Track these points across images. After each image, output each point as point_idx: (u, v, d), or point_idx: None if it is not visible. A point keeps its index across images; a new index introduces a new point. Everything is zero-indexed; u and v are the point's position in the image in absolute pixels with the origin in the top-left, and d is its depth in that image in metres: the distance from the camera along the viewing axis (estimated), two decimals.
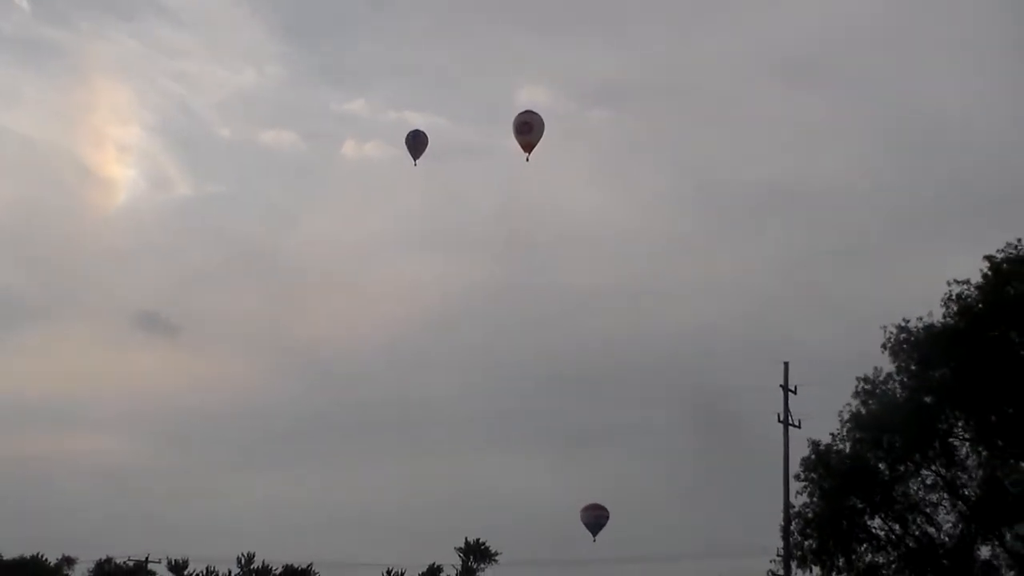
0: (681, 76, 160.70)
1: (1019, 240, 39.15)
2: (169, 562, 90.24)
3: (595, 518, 67.35)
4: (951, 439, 40.19)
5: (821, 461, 41.31)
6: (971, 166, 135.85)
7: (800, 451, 43.59)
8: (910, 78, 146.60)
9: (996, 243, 39.29)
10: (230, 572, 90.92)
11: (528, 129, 59.62)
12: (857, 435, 41.13)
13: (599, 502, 68.89)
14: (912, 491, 40.57)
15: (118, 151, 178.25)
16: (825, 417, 43.14)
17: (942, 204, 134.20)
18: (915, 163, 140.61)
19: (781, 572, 47.29)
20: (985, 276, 38.88)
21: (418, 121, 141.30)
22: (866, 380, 40.94)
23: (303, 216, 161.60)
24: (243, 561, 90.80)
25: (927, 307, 40.01)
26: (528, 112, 61.32)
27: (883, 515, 40.73)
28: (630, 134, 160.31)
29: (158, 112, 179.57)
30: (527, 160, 59.60)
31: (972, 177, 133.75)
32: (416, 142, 63.14)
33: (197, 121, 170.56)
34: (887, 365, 40.52)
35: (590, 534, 67.16)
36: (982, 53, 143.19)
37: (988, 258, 39.04)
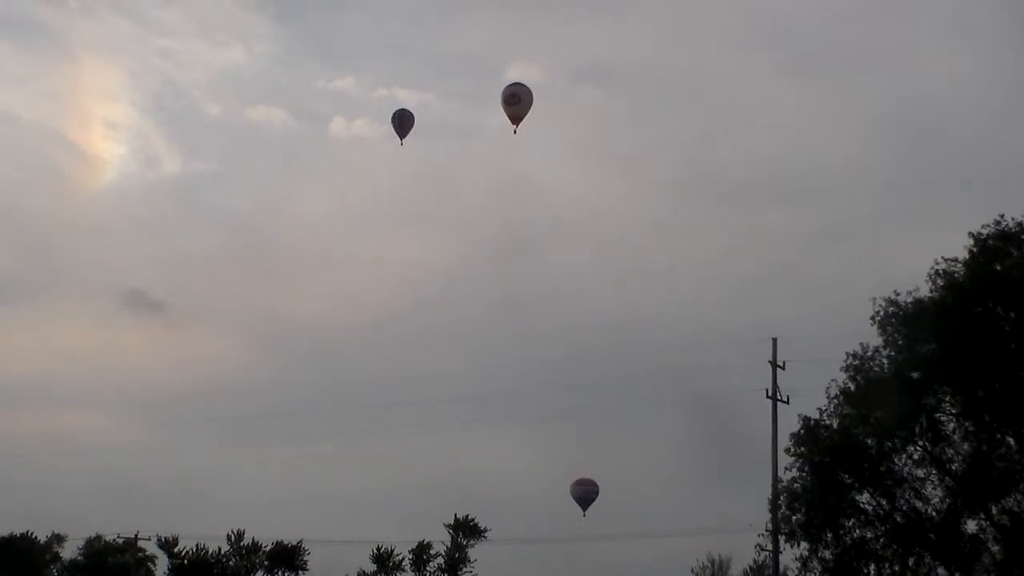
0: (673, 55, 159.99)
1: (1002, 216, 39.39)
2: (159, 539, 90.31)
3: (585, 492, 67.54)
4: (938, 414, 40.41)
5: (810, 436, 41.51)
6: (957, 145, 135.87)
7: (789, 427, 43.91)
8: (896, 57, 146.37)
9: (983, 220, 39.52)
10: (220, 549, 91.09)
11: (516, 100, 59.05)
12: (845, 410, 41.34)
13: (589, 477, 69.14)
14: (899, 466, 40.83)
15: (106, 129, 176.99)
16: (813, 392, 43.41)
17: (930, 182, 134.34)
18: (903, 142, 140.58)
19: (769, 547, 47.67)
20: (971, 252, 39.09)
21: (407, 98, 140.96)
22: (854, 356, 41.15)
23: (292, 193, 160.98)
24: (233, 538, 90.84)
25: (914, 283, 40.27)
26: (516, 84, 60.74)
27: (871, 490, 40.95)
28: (621, 113, 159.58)
29: (146, 90, 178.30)
30: (515, 132, 59.19)
31: (958, 156, 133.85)
32: (402, 121, 62.70)
33: (185, 99, 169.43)
34: (875, 339, 40.81)
35: (580, 509, 67.41)
36: (970, 32, 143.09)
37: (973, 235, 39.24)
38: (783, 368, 53.01)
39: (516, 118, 58.91)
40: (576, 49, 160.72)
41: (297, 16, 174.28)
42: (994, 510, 39.34)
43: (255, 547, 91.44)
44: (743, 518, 49.37)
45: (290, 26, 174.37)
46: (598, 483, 68.68)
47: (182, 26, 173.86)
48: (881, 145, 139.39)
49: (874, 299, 40.64)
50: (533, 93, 60.03)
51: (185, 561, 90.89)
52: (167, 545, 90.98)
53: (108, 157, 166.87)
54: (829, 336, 46.75)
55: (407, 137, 62.45)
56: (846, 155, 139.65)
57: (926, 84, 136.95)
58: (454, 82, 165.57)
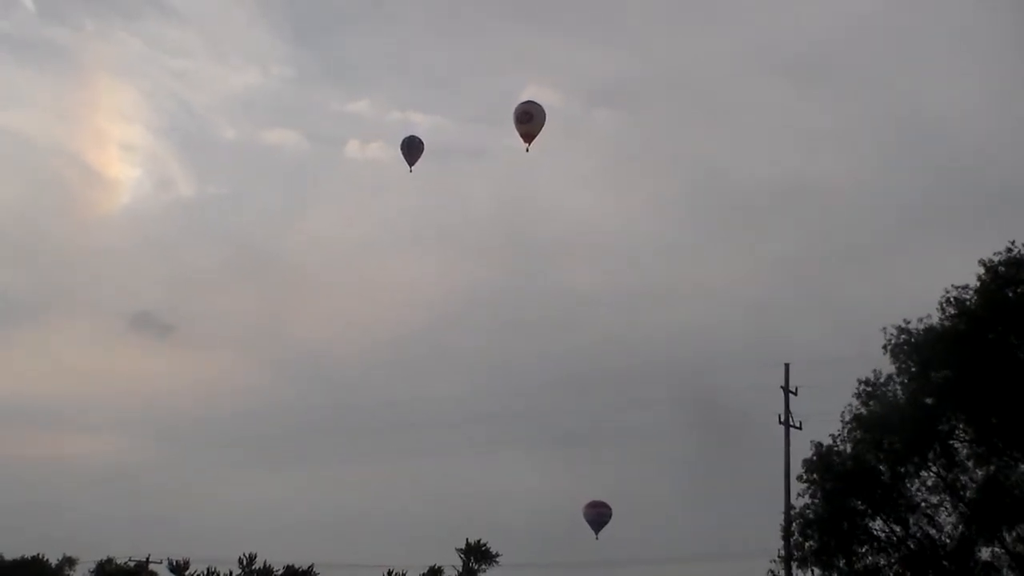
0: (685, 77, 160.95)
1: (1013, 243, 39.32)
2: (170, 563, 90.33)
3: (597, 515, 67.41)
4: (952, 441, 40.30)
5: (823, 462, 41.43)
6: (970, 167, 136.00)
7: (801, 452, 43.81)
8: (909, 79, 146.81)
9: (995, 243, 39.50)
10: (231, 573, 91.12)
11: (528, 119, 58.97)
12: (858, 436, 41.25)
13: (601, 499, 68.98)
14: (913, 492, 40.70)
15: (121, 151, 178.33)
16: (826, 418, 43.34)
17: (942, 205, 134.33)
18: (915, 164, 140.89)
19: (781, 573, 47.42)
20: (981, 280, 39.06)
21: (421, 121, 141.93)
22: (867, 382, 41.12)
23: (306, 217, 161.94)
24: (244, 562, 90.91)
25: (927, 308, 40.24)
26: (529, 102, 60.61)
27: (884, 516, 40.80)
28: (633, 135, 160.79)
29: (162, 112, 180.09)
30: (527, 151, 59.08)
31: (971, 178, 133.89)
32: (411, 148, 62.73)
33: (201, 121, 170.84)
34: (887, 367, 40.76)
35: (592, 531, 67.25)
36: (981, 53, 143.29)
37: (984, 263, 39.17)
38: (795, 394, 52.87)
39: (528, 136, 58.87)
40: (590, 71, 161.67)
41: (312, 39, 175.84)
42: (1008, 537, 39.13)
43: (266, 571, 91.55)
44: (756, 543, 49.22)
45: (305, 49, 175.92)
46: (611, 506, 68.52)
47: (197, 48, 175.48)
48: (897, 168, 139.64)
49: (885, 328, 40.67)
50: (546, 111, 59.99)
51: None
52: (178, 568, 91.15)
53: (122, 179, 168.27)
54: (843, 360, 46.73)
55: (416, 163, 62.48)
56: (860, 178, 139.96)
57: (942, 107, 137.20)
58: (468, 105, 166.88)
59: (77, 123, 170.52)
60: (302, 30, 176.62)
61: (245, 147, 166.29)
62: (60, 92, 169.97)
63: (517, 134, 59.31)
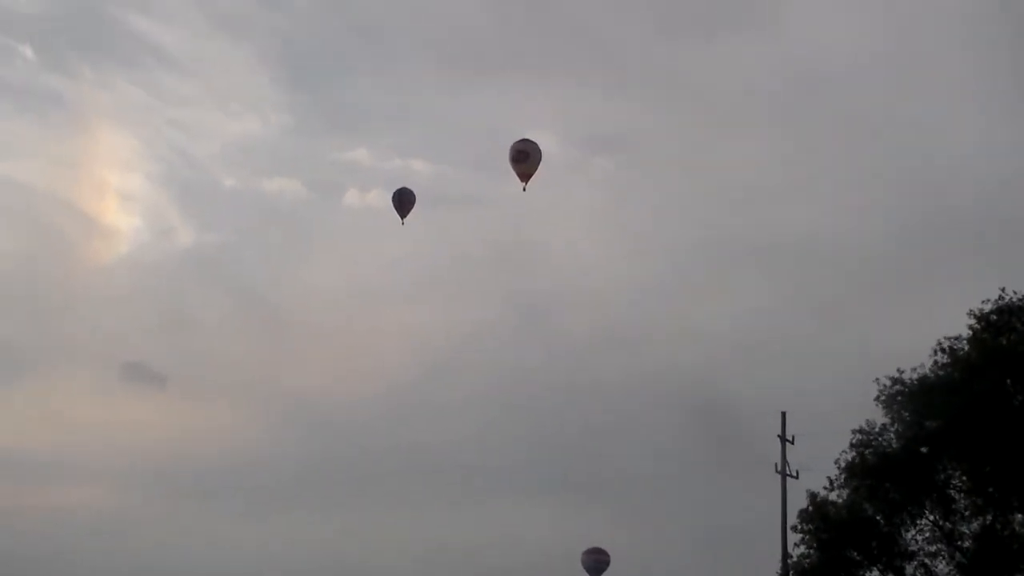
0: (681, 126, 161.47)
1: (1003, 290, 39.46)
2: None
3: (596, 562, 66.72)
4: (949, 490, 40.15)
5: (818, 512, 41.20)
6: (960, 210, 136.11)
7: (799, 501, 43.56)
8: (909, 128, 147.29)
9: (986, 289, 39.62)
10: None
11: (524, 157, 58.65)
12: (854, 485, 41.07)
13: (600, 546, 68.47)
14: (908, 541, 40.44)
15: (120, 200, 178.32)
16: (823, 467, 43.06)
17: (935, 249, 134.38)
18: (914, 213, 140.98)
19: None
20: (972, 329, 39.10)
21: (422, 168, 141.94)
22: (861, 431, 41.01)
23: (305, 265, 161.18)
24: None
25: (920, 355, 40.23)
26: (524, 140, 60.47)
27: (880, 566, 40.55)
28: (631, 183, 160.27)
29: (161, 160, 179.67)
30: (524, 190, 59.01)
31: (961, 221, 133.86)
32: (402, 200, 62.63)
33: (200, 169, 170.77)
34: (881, 418, 40.66)
35: None
36: (970, 100, 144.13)
37: (975, 313, 39.23)
38: (792, 442, 52.55)
39: (525, 175, 58.66)
40: (589, 118, 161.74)
41: (311, 86, 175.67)
42: None
43: None
44: None
45: (304, 96, 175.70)
46: (609, 553, 68.05)
47: (197, 97, 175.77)
48: (886, 212, 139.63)
49: (878, 379, 40.65)
50: (541, 149, 59.78)
51: None
52: None
53: (121, 228, 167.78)
54: (840, 409, 46.48)
55: (408, 215, 62.30)
56: (851, 224, 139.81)
57: (938, 155, 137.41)
58: (468, 152, 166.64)
59: (75, 171, 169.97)
60: (301, 77, 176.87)
61: (244, 195, 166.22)
62: (58, 140, 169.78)
63: (512, 168, 59.27)
